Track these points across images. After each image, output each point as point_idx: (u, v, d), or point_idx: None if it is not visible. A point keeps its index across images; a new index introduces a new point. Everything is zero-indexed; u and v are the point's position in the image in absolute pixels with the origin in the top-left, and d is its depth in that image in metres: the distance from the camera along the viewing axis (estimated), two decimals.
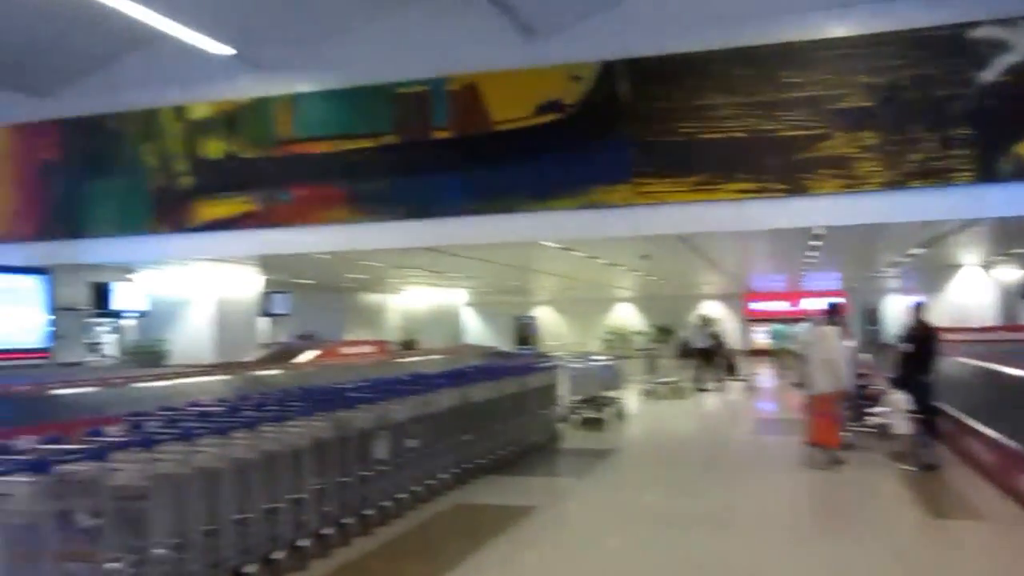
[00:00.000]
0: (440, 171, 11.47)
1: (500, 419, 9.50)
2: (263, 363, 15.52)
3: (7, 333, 13.33)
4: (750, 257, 22.64)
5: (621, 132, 10.87)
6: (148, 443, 4.29)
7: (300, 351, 17.39)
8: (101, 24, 11.38)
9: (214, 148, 12.81)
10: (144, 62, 12.90)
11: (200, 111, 12.93)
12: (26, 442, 4.38)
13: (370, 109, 11.99)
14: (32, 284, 13.73)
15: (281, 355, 17.00)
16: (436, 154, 11.50)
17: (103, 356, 17.44)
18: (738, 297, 34.49)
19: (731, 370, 21.58)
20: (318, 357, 17.02)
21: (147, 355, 15.04)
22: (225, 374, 13.07)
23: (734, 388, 20.32)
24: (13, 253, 13.79)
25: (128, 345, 15.73)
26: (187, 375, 12.71)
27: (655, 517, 7.56)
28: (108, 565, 3.94)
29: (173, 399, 9.29)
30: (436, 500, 7.74)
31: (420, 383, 8.26)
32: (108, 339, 17.44)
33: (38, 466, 3.62)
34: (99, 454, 3.94)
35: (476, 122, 11.31)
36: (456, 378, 8.91)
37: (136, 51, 12.79)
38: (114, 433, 4.70)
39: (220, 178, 12.74)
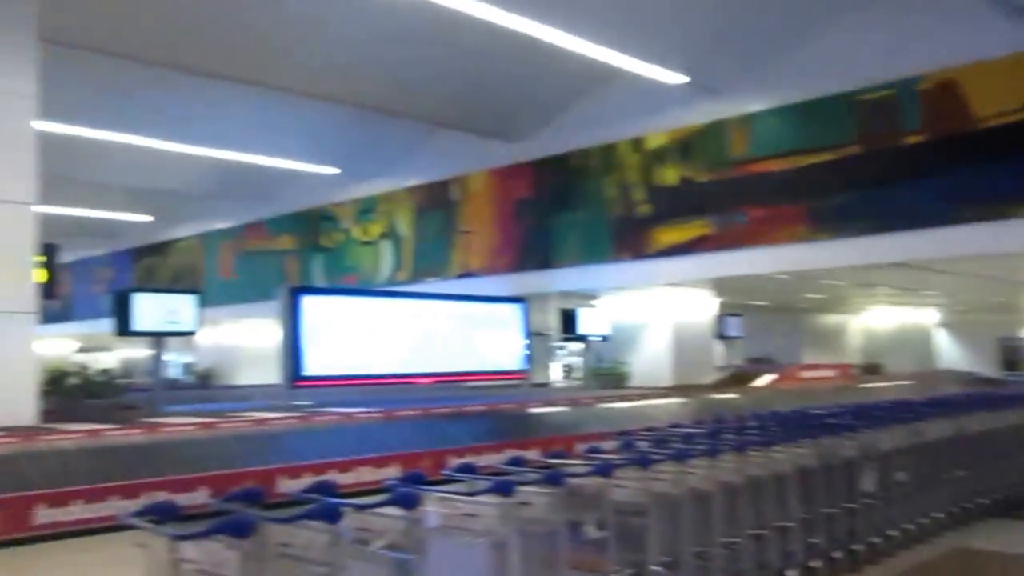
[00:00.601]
0: (913, 179, 10.54)
1: (1002, 455, 8.30)
2: (720, 386, 15.53)
3: (493, 356, 14.91)
4: None
5: None
6: (646, 462, 4.38)
7: (756, 374, 17.12)
8: (563, 71, 12.37)
9: (670, 175, 13.19)
10: (602, 100, 13.78)
11: (655, 141, 13.41)
12: (536, 455, 4.74)
13: (829, 121, 11.46)
14: (512, 312, 15.23)
15: (737, 378, 16.87)
16: (908, 161, 10.61)
17: (570, 378, 18.83)
18: None
19: None
20: (776, 381, 16.60)
21: (610, 377, 15.86)
22: (685, 396, 13.30)
23: None
24: (494, 284, 15.54)
25: (592, 367, 16.76)
26: (650, 396, 13.17)
27: None
28: None
29: (640, 419, 9.62)
30: (930, 541, 6.94)
31: (905, 410, 7.53)
32: (574, 362, 18.79)
33: (553, 478, 3.85)
34: (604, 470, 4.10)
35: (956, 121, 10.22)
36: (947, 406, 7.97)
37: (594, 91, 13.72)
38: (609, 450, 4.91)
39: (676, 204, 13.08)
